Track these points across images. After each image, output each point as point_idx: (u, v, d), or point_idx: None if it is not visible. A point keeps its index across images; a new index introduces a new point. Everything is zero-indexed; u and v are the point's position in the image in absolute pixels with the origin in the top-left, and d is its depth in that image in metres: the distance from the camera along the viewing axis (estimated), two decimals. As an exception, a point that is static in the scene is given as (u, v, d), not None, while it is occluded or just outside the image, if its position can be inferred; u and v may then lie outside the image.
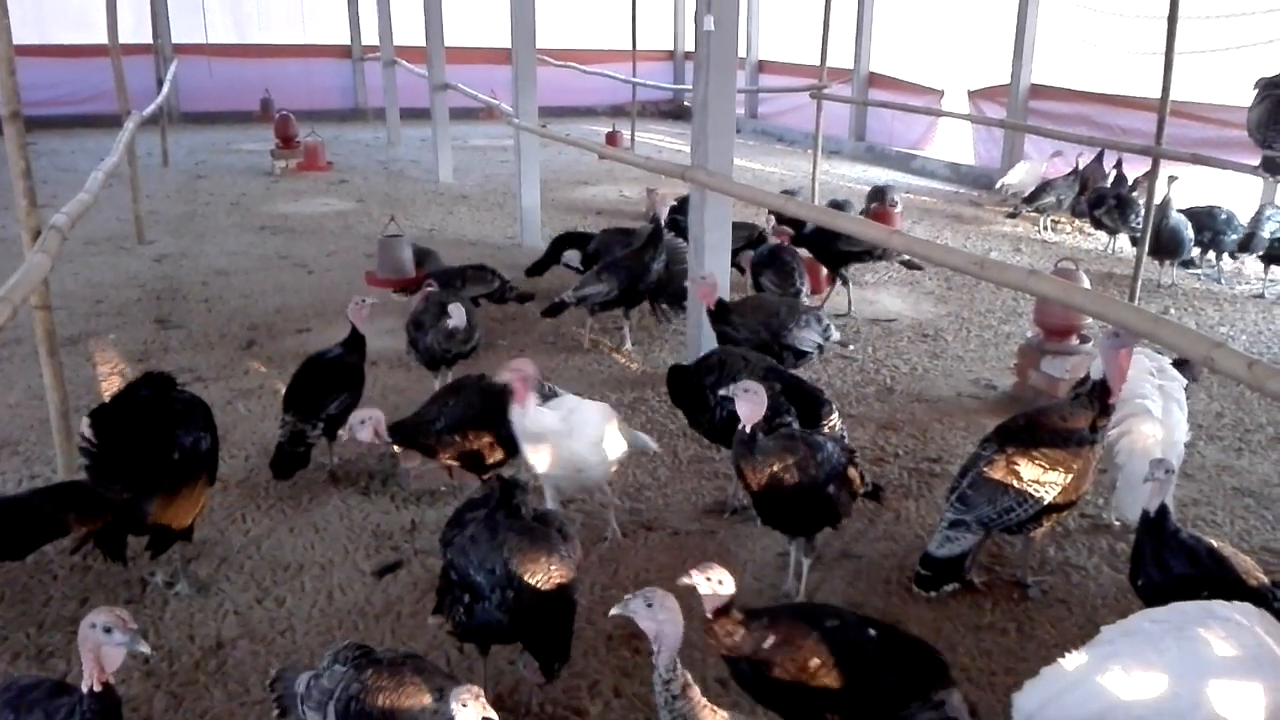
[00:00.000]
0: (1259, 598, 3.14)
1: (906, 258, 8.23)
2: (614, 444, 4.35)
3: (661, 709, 2.47)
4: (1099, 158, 10.95)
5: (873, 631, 2.92)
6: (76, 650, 3.62)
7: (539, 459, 4.15)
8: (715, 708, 2.52)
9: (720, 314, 5.60)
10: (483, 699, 2.34)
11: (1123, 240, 10.26)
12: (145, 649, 2.54)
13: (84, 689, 2.48)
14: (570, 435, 4.15)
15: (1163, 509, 3.47)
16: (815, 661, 2.79)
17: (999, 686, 3.63)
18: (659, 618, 2.48)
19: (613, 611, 2.63)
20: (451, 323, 5.49)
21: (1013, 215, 11.40)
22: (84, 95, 17.54)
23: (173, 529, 3.93)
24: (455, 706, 2.32)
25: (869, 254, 7.85)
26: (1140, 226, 9.52)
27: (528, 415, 4.07)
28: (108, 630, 2.47)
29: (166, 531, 3.92)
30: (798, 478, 3.81)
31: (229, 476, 4.99)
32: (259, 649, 3.77)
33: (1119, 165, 10.61)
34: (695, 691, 2.48)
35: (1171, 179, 8.32)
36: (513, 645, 3.45)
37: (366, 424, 4.21)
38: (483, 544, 3.24)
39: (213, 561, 4.34)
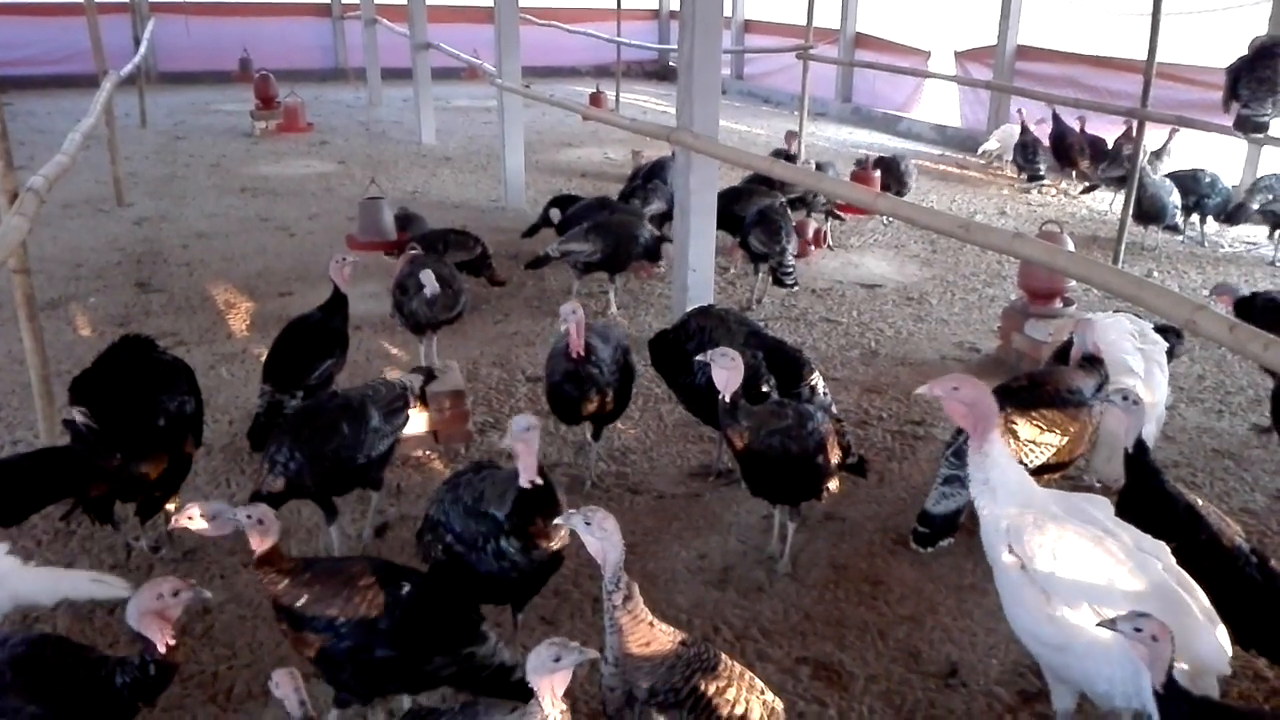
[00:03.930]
0: (1228, 560, 3.16)
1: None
2: None
3: (605, 616, 2.59)
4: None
5: (408, 587, 2.94)
6: (61, 616, 3.67)
7: None
8: (656, 622, 2.61)
9: (586, 356, 4.40)
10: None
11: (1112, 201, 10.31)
12: (209, 595, 2.86)
13: (158, 651, 2.68)
14: None
15: (1140, 444, 3.45)
16: (342, 619, 2.84)
17: (980, 646, 3.68)
18: (597, 535, 2.58)
19: (556, 521, 2.86)
20: (427, 291, 5.44)
21: (1035, 179, 11.44)
22: (59, 55, 17.21)
23: (163, 491, 3.95)
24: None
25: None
26: (1043, 171, 11.05)
27: None
28: (176, 593, 2.68)
29: (156, 494, 3.93)
30: (786, 445, 3.82)
31: (213, 441, 4.97)
32: (245, 612, 3.78)
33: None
34: (635, 605, 2.57)
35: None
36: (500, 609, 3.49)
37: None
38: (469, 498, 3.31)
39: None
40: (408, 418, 4.29)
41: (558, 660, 2.30)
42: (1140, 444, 3.44)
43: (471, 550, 3.17)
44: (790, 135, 9.63)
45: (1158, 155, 9.71)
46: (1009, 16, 13.52)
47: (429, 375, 4.69)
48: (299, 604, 2.87)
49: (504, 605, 3.48)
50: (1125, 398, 3.46)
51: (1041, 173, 11.35)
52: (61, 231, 8.90)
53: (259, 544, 2.91)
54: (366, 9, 16.08)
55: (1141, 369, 4.48)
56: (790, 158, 9.01)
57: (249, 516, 2.92)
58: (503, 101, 9.85)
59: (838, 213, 8.86)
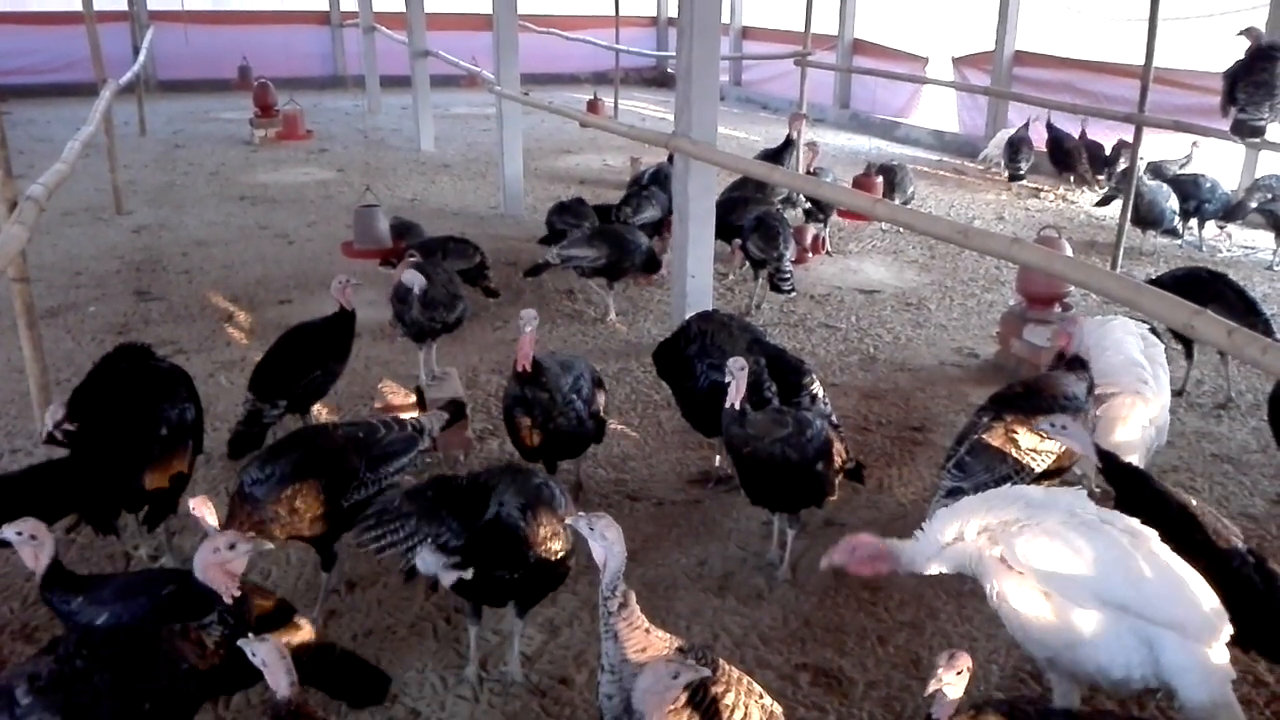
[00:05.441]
0: (1222, 561, 3.15)
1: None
2: None
3: (601, 622, 2.60)
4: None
5: (171, 587, 2.93)
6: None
7: None
8: (653, 629, 2.62)
9: (534, 376, 4.25)
10: None
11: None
12: (270, 545, 2.96)
13: (227, 599, 2.72)
14: None
15: (1106, 456, 3.46)
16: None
17: (979, 651, 3.68)
18: (599, 542, 2.60)
19: (567, 520, 2.98)
20: (416, 290, 5.43)
21: (1015, 178, 11.62)
22: (59, 63, 17.25)
23: (164, 500, 3.95)
24: None
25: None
26: (1023, 170, 11.37)
27: None
28: (231, 546, 2.71)
29: (161, 503, 3.94)
30: (785, 453, 3.82)
31: (212, 450, 4.95)
32: (245, 621, 3.77)
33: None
34: (632, 611, 2.58)
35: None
36: (500, 612, 3.49)
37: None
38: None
39: (198, 534, 4.29)
40: (408, 461, 3.91)
41: (676, 677, 2.34)
42: (1106, 456, 3.47)
43: None
44: (795, 117, 9.34)
45: (1182, 166, 9.73)
46: (1006, 22, 13.55)
47: (456, 413, 4.31)
48: (99, 621, 2.80)
49: (504, 608, 3.48)
50: (1053, 425, 3.55)
51: (1021, 172, 11.50)
52: (61, 240, 8.90)
53: (36, 561, 2.80)
54: (365, 16, 16.11)
55: (1149, 376, 4.49)
56: (790, 141, 8.94)
57: (19, 533, 2.78)
58: (501, 109, 9.87)
59: (817, 210, 8.76)
